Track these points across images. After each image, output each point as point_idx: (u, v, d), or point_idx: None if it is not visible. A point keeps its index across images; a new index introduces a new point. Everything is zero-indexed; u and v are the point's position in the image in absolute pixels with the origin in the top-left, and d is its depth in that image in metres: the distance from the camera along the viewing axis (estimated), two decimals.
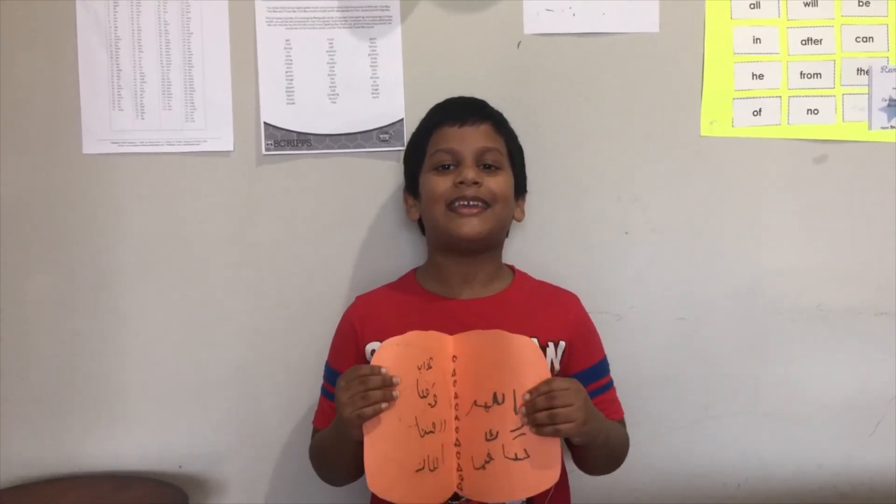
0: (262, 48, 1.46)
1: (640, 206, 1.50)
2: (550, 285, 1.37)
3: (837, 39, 1.49)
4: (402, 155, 1.43)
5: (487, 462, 1.13)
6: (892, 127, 1.49)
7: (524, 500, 1.23)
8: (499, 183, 1.28)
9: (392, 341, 1.13)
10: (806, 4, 1.48)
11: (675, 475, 1.53)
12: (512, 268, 1.37)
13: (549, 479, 1.12)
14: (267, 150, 1.47)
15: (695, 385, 1.52)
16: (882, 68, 1.49)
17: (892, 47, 1.49)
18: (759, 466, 1.53)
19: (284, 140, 1.47)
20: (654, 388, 1.51)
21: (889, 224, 1.51)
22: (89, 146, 1.46)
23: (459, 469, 1.14)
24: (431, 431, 1.13)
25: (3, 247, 1.46)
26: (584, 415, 1.11)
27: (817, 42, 1.49)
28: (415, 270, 1.38)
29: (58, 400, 1.48)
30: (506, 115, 1.38)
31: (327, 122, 1.47)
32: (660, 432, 1.52)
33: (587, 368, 1.28)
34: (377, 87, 1.47)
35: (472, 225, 1.25)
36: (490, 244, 1.30)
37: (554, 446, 1.12)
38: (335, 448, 1.19)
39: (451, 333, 1.16)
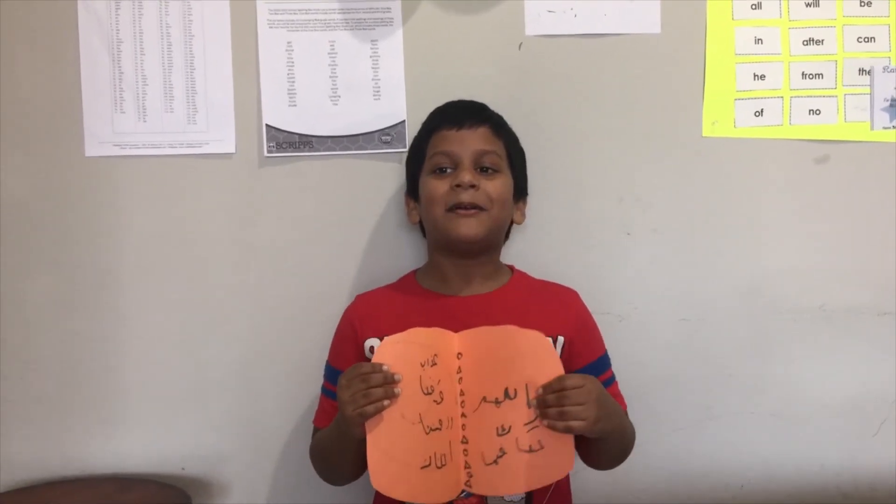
0: (264, 50, 1.46)
1: (641, 206, 1.50)
2: (550, 283, 1.38)
3: (839, 40, 1.49)
4: (403, 157, 1.43)
5: (500, 457, 1.12)
6: (893, 127, 1.49)
7: (523, 496, 1.23)
8: (496, 186, 1.28)
9: (393, 338, 1.13)
10: (807, 5, 1.48)
11: (678, 476, 1.53)
12: (511, 267, 1.38)
13: (564, 467, 1.13)
14: (269, 151, 1.47)
15: (697, 385, 1.52)
16: (884, 68, 1.49)
17: (894, 47, 1.49)
18: (762, 467, 1.53)
19: (286, 142, 1.47)
20: (656, 388, 1.50)
21: (891, 224, 1.51)
22: (91, 148, 1.46)
23: (467, 466, 1.14)
24: (438, 428, 1.13)
25: (4, 248, 1.47)
26: (596, 413, 1.11)
27: (819, 42, 1.49)
28: (415, 271, 1.38)
29: (59, 401, 1.48)
30: (507, 116, 1.38)
31: (329, 123, 1.47)
32: (662, 433, 1.51)
33: (588, 364, 1.28)
34: (379, 89, 1.47)
35: (469, 226, 1.25)
36: (487, 246, 1.31)
37: (568, 436, 1.12)
38: (336, 446, 1.19)
39: (451, 330, 1.16)
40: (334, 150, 1.47)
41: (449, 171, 1.28)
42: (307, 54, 1.46)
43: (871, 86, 1.49)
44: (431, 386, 1.13)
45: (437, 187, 1.27)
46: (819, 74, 1.49)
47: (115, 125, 1.46)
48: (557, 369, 1.13)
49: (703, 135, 1.49)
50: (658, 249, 1.51)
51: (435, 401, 1.13)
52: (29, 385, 1.48)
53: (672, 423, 1.52)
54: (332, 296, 1.46)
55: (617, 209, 1.50)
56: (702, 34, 1.49)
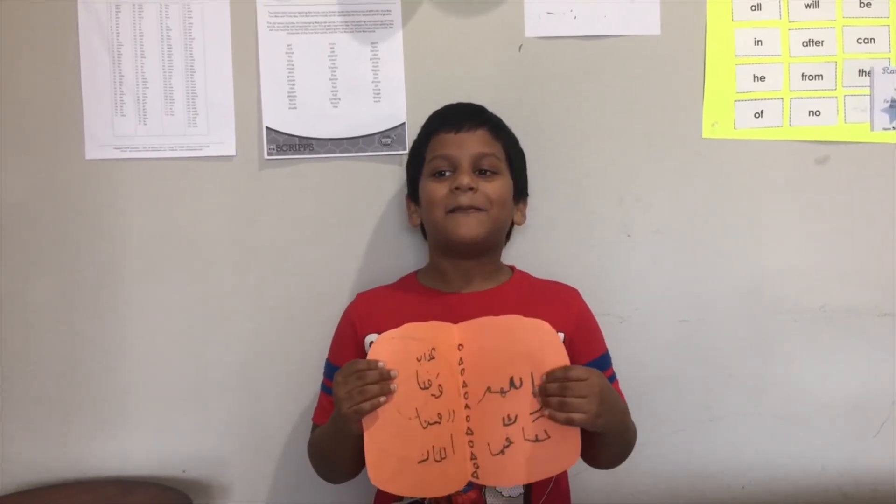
0: (264, 53, 1.46)
1: (642, 207, 1.51)
2: (551, 281, 1.38)
3: (839, 41, 1.49)
4: (403, 159, 1.43)
5: (506, 447, 1.13)
6: (893, 128, 1.49)
7: (521, 493, 1.23)
8: (495, 188, 1.28)
9: (388, 334, 1.14)
10: (807, 6, 1.49)
11: (678, 476, 1.53)
12: (512, 267, 1.38)
13: (570, 458, 1.13)
14: (269, 154, 1.47)
15: (698, 386, 1.52)
16: (884, 69, 1.49)
17: (894, 48, 1.49)
18: (763, 467, 1.53)
19: (286, 144, 1.47)
20: (656, 389, 1.50)
21: (891, 225, 1.51)
22: (92, 151, 1.46)
23: (473, 457, 1.14)
24: (437, 422, 1.13)
25: (5, 250, 1.47)
26: (598, 408, 1.11)
27: (819, 43, 1.49)
28: (416, 272, 1.39)
29: (61, 403, 1.48)
30: (508, 118, 1.38)
31: (329, 126, 1.47)
32: (662, 433, 1.51)
33: (589, 362, 1.28)
34: (379, 91, 1.47)
35: (469, 226, 1.26)
36: (488, 246, 1.31)
37: (574, 428, 1.12)
38: (334, 443, 1.20)
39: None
40: (334, 152, 1.47)
41: (448, 174, 1.29)
42: (307, 57, 1.46)
43: (871, 87, 1.49)
44: (429, 380, 1.13)
45: (436, 190, 1.28)
46: (819, 75, 1.49)
47: (115, 128, 1.46)
48: (563, 358, 1.13)
49: (703, 136, 1.49)
50: (658, 250, 1.51)
51: (433, 395, 1.13)
52: (30, 387, 1.48)
53: (672, 423, 1.52)
54: (332, 298, 1.46)
55: (617, 210, 1.50)
56: (701, 35, 1.49)
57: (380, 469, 1.12)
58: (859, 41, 1.49)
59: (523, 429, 1.12)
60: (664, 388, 1.51)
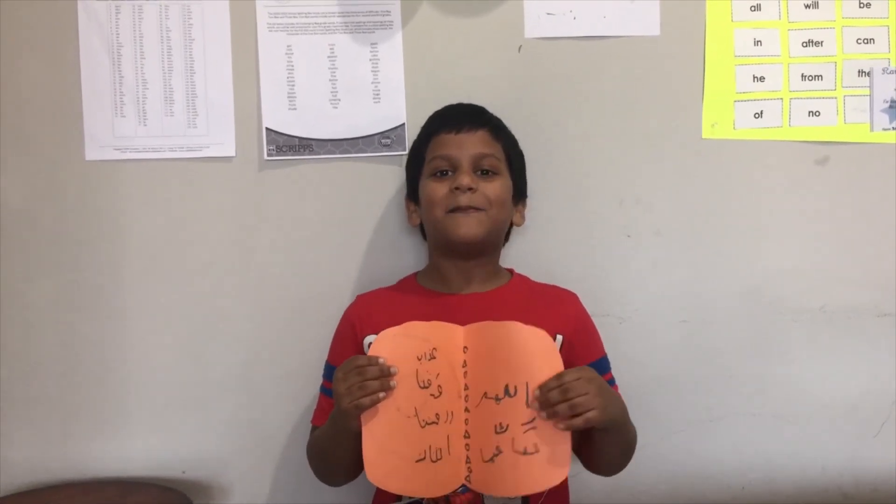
0: (264, 54, 1.46)
1: (642, 208, 1.51)
2: (550, 285, 1.38)
3: (838, 41, 1.49)
4: (403, 159, 1.43)
5: (496, 455, 1.12)
6: (893, 128, 1.49)
7: (520, 499, 1.23)
8: (495, 189, 1.28)
9: (390, 331, 1.14)
10: (807, 6, 1.49)
11: (679, 477, 1.53)
12: (511, 271, 1.38)
13: (557, 476, 1.12)
14: (269, 155, 1.47)
15: (698, 387, 1.52)
16: (883, 70, 1.49)
17: (894, 49, 1.49)
18: (763, 467, 1.53)
19: (286, 145, 1.47)
20: (657, 389, 1.50)
21: (891, 225, 1.51)
22: (92, 152, 1.46)
23: (468, 461, 1.14)
24: (434, 422, 1.13)
25: (5, 252, 1.47)
26: (603, 400, 1.11)
27: (818, 44, 1.49)
28: (415, 273, 1.39)
29: (61, 404, 1.48)
30: (507, 118, 1.38)
31: (329, 126, 1.47)
32: (663, 434, 1.51)
33: (588, 365, 1.28)
34: (378, 92, 1.47)
35: (468, 226, 1.26)
36: (487, 246, 1.31)
37: (564, 443, 1.11)
38: (333, 442, 1.19)
39: None
40: (334, 153, 1.47)
41: (448, 174, 1.29)
42: (307, 57, 1.46)
43: (871, 87, 1.49)
44: (429, 379, 1.13)
45: (436, 190, 1.28)
46: (818, 76, 1.49)
47: (115, 129, 1.46)
48: (559, 368, 1.13)
49: (703, 136, 1.49)
50: (658, 251, 1.51)
51: (432, 394, 1.13)
52: (30, 388, 1.48)
53: (673, 424, 1.52)
54: (332, 298, 1.46)
55: (617, 211, 1.50)
56: (701, 36, 1.49)
57: (377, 466, 1.12)
58: (859, 42, 1.49)
59: (513, 440, 1.11)
60: (664, 389, 1.51)
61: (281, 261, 1.48)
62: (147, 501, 1.37)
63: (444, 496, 1.19)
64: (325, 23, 1.46)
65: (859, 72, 1.49)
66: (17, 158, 1.46)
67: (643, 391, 1.46)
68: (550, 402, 1.10)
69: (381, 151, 1.47)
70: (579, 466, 1.30)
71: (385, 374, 1.11)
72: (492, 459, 1.12)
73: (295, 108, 1.46)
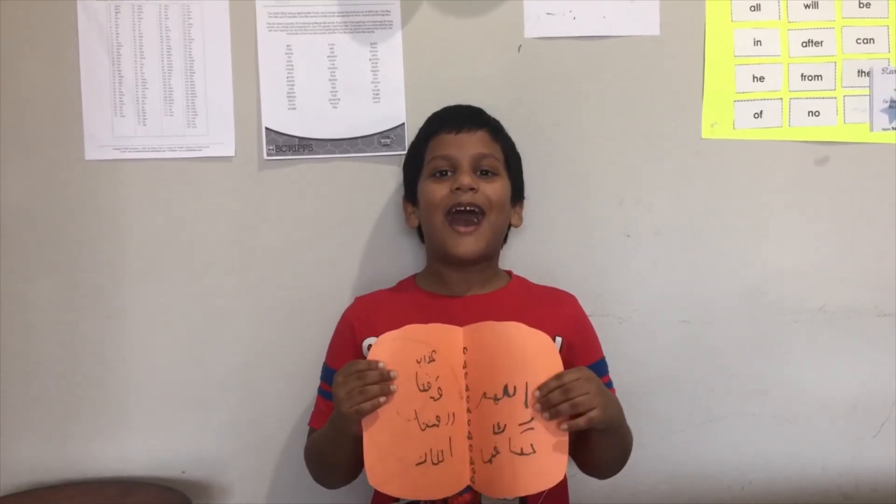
0: (264, 53, 1.46)
1: (642, 208, 1.50)
2: (548, 287, 1.38)
3: (838, 41, 1.49)
4: (402, 159, 1.43)
5: (494, 456, 1.12)
6: (893, 128, 1.49)
7: (517, 500, 1.23)
8: (495, 189, 1.29)
9: (389, 335, 1.13)
10: (806, 6, 1.48)
11: (679, 477, 1.53)
12: (509, 272, 1.38)
13: (553, 477, 1.12)
14: (268, 155, 1.47)
15: (697, 387, 1.52)
16: (883, 70, 1.49)
17: (893, 49, 1.49)
18: (763, 468, 1.53)
19: (286, 145, 1.47)
20: (656, 389, 1.50)
21: (891, 225, 1.51)
22: (91, 152, 1.46)
23: (472, 462, 1.14)
24: (435, 425, 1.13)
25: (5, 252, 1.47)
26: (603, 400, 1.12)
27: (818, 44, 1.49)
28: (415, 275, 1.39)
29: (61, 405, 1.48)
30: (507, 118, 1.38)
31: (328, 126, 1.47)
32: (663, 434, 1.51)
33: (586, 367, 1.28)
34: (378, 92, 1.47)
35: (466, 245, 1.27)
36: (486, 257, 1.32)
37: (562, 445, 1.11)
38: (332, 445, 1.19)
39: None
40: (334, 153, 1.47)
41: (448, 174, 1.29)
42: (306, 57, 1.46)
43: (871, 87, 1.49)
44: (428, 382, 1.13)
45: (435, 191, 1.28)
46: (818, 76, 1.49)
47: (114, 129, 1.46)
48: (558, 369, 1.13)
49: (703, 136, 1.49)
50: (658, 251, 1.51)
51: (432, 397, 1.13)
52: (30, 388, 1.48)
53: (673, 424, 1.52)
54: (332, 298, 1.46)
55: (617, 211, 1.50)
56: (701, 36, 1.49)
57: (378, 470, 1.12)
58: (859, 41, 1.49)
59: (510, 440, 1.11)
60: (664, 389, 1.51)
61: (281, 261, 1.48)
62: (147, 501, 1.37)
63: (443, 498, 1.18)
64: (324, 22, 1.46)
65: (859, 72, 1.49)
66: (16, 158, 1.46)
67: (643, 391, 1.46)
68: (552, 402, 1.10)
69: (381, 151, 1.47)
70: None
71: (385, 379, 1.10)
72: (490, 460, 1.12)
73: (294, 108, 1.46)
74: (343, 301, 1.41)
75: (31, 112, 1.46)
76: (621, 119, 1.49)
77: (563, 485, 1.30)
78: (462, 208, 1.26)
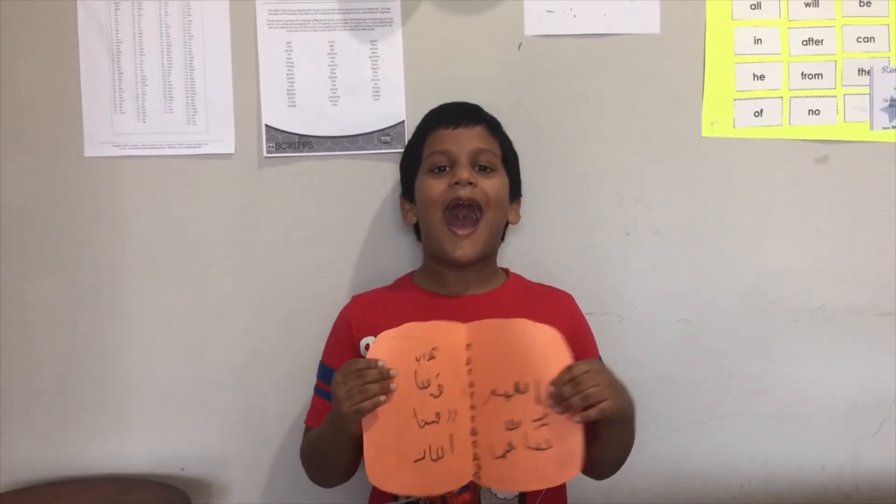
0: (263, 50, 1.46)
1: (641, 207, 1.50)
2: (545, 285, 1.38)
3: (839, 40, 1.49)
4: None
5: (508, 451, 1.12)
6: (893, 127, 1.49)
7: (516, 495, 1.23)
8: (493, 185, 1.28)
9: (387, 334, 1.13)
10: (807, 5, 1.48)
11: (678, 476, 1.53)
12: (506, 270, 1.38)
13: (570, 471, 1.12)
14: (268, 152, 1.47)
15: (697, 386, 1.52)
16: (883, 68, 1.49)
17: (894, 47, 1.49)
18: (763, 467, 1.53)
19: (286, 142, 1.47)
20: (656, 388, 1.50)
21: (891, 224, 1.51)
22: (91, 149, 1.46)
23: (476, 458, 1.13)
24: (434, 422, 1.12)
25: (5, 249, 1.47)
26: (615, 390, 1.12)
27: (818, 42, 1.49)
28: (412, 273, 1.39)
29: (60, 402, 1.48)
30: (507, 116, 1.38)
31: (328, 124, 1.47)
32: (662, 433, 1.51)
33: (595, 359, 1.28)
34: (378, 89, 1.47)
35: (464, 249, 1.27)
36: (484, 258, 1.31)
37: (576, 438, 1.11)
38: (330, 444, 1.19)
39: None
40: (334, 150, 1.47)
41: (446, 169, 1.29)
42: (307, 55, 1.46)
43: (871, 86, 1.49)
44: (428, 379, 1.13)
45: (433, 187, 1.28)
46: (818, 74, 1.49)
47: (114, 125, 1.46)
48: (568, 363, 1.12)
49: (703, 135, 1.49)
50: (658, 250, 1.51)
51: (432, 394, 1.13)
52: (30, 386, 1.48)
53: (672, 423, 1.52)
54: (332, 296, 1.46)
55: (616, 210, 1.50)
56: (701, 34, 1.48)
57: (378, 468, 1.12)
58: (859, 40, 1.49)
59: (526, 435, 1.11)
60: (663, 388, 1.51)
61: (280, 258, 1.48)
62: (146, 499, 1.37)
63: (441, 496, 1.18)
64: (324, 20, 1.46)
65: (859, 70, 1.49)
66: (16, 155, 1.46)
67: (642, 390, 1.44)
68: (563, 396, 1.09)
69: (381, 149, 1.47)
70: None
71: (385, 377, 1.10)
72: (504, 456, 1.12)
73: (294, 106, 1.46)
74: (344, 299, 1.41)
75: (31, 109, 1.46)
76: (621, 117, 1.49)
77: (561, 483, 1.30)
78: (461, 202, 1.26)
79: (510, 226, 1.40)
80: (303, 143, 1.47)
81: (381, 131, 1.47)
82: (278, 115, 1.46)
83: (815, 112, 1.49)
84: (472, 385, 1.14)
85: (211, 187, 1.47)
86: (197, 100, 1.46)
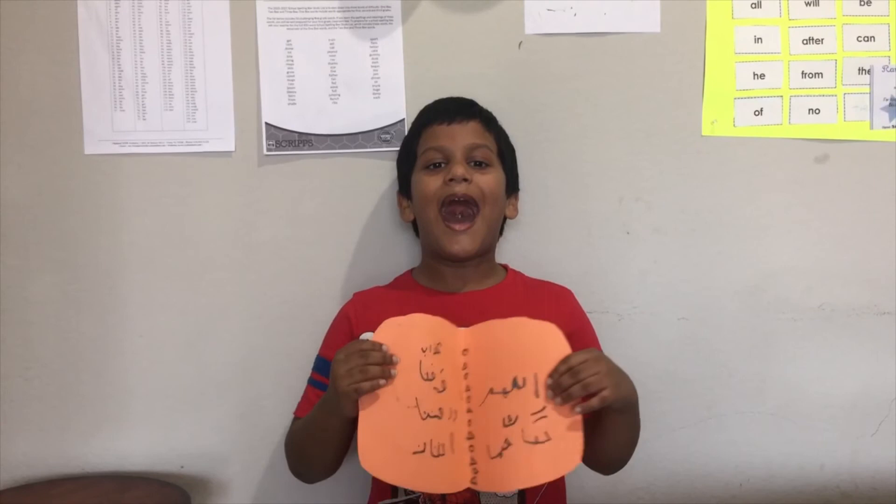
0: (264, 48, 1.46)
1: (641, 205, 1.50)
2: (545, 281, 1.38)
3: (839, 39, 1.49)
4: None
5: (505, 448, 1.10)
6: (893, 126, 1.49)
7: (515, 494, 1.22)
8: (489, 181, 1.28)
9: (394, 320, 1.13)
10: (807, 4, 1.48)
11: (677, 474, 1.53)
12: (505, 267, 1.38)
13: (570, 462, 1.10)
14: (268, 150, 1.47)
15: (697, 384, 1.52)
16: (883, 68, 1.49)
17: (894, 47, 1.49)
18: (762, 465, 1.53)
19: (286, 140, 1.47)
20: (655, 387, 1.50)
21: (891, 223, 1.51)
22: (91, 147, 1.46)
23: (473, 462, 1.12)
24: (437, 416, 1.11)
25: (5, 247, 1.47)
26: (615, 378, 1.10)
27: (819, 41, 1.49)
28: (411, 270, 1.39)
29: (60, 400, 1.48)
30: (506, 114, 1.39)
31: (328, 122, 1.47)
32: (662, 432, 1.51)
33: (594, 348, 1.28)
34: (378, 88, 1.47)
35: (462, 244, 1.26)
36: (482, 253, 1.31)
37: (576, 429, 1.09)
38: (319, 429, 1.18)
39: None
40: (334, 148, 1.47)
41: (441, 165, 1.29)
42: (307, 52, 1.46)
43: (871, 85, 1.49)
44: (432, 372, 1.12)
45: (429, 184, 1.28)
46: (819, 73, 1.49)
47: (114, 123, 1.46)
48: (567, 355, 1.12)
49: (703, 134, 1.49)
50: (658, 248, 1.51)
51: (436, 388, 1.12)
52: (29, 384, 1.48)
53: (671, 421, 1.52)
54: (332, 294, 1.46)
55: (617, 208, 1.50)
56: (701, 33, 1.48)
57: (372, 454, 1.09)
58: (859, 39, 1.49)
59: (523, 430, 1.10)
60: (663, 386, 1.51)
61: (280, 255, 1.48)
62: (145, 496, 1.37)
63: (441, 495, 1.18)
64: (325, 18, 1.46)
65: (859, 69, 1.49)
66: (16, 152, 1.46)
67: (642, 389, 1.43)
68: (562, 386, 1.08)
69: (381, 147, 1.47)
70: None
71: (388, 363, 1.09)
72: (500, 454, 1.10)
73: (294, 104, 1.46)
74: (345, 297, 1.41)
75: (31, 106, 1.46)
76: (621, 116, 1.49)
77: (560, 482, 1.30)
78: (456, 199, 1.26)
79: (510, 224, 1.40)
80: (303, 141, 1.47)
81: (381, 129, 1.47)
82: (278, 112, 1.46)
83: (816, 111, 1.49)
84: (468, 389, 1.14)
85: (211, 185, 1.47)
86: (197, 97, 1.46)
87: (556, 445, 1.10)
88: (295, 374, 1.46)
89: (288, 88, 1.46)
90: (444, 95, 1.40)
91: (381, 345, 1.10)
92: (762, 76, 1.49)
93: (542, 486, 1.22)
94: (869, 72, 1.49)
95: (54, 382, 1.48)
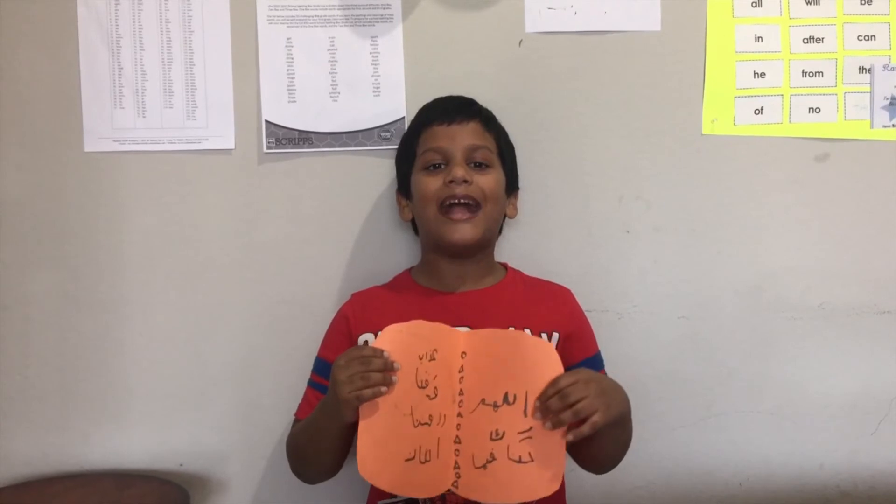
0: (264, 46, 1.46)
1: (641, 204, 1.50)
2: (544, 280, 1.38)
3: (839, 38, 1.49)
4: None
5: (489, 462, 1.11)
6: (893, 125, 1.49)
7: None
8: (489, 182, 1.28)
9: (396, 327, 1.13)
10: (808, 3, 1.48)
11: (676, 473, 1.53)
12: (505, 265, 1.38)
13: (549, 486, 1.11)
14: (268, 148, 1.47)
15: (697, 384, 1.52)
16: (884, 67, 1.49)
17: (894, 46, 1.49)
18: (761, 464, 1.53)
19: (286, 138, 1.47)
20: (655, 386, 1.50)
21: (891, 222, 1.51)
22: (90, 144, 1.46)
23: (457, 466, 1.13)
24: (427, 423, 1.12)
25: (4, 245, 1.47)
26: (606, 400, 1.09)
27: (819, 40, 1.49)
28: (409, 269, 1.39)
29: (60, 398, 1.48)
30: (507, 113, 1.38)
31: (328, 120, 1.47)
32: (661, 431, 1.51)
33: (582, 361, 1.28)
34: (378, 86, 1.47)
35: (463, 231, 1.25)
36: (482, 246, 1.31)
37: (558, 454, 1.10)
38: (319, 433, 1.18)
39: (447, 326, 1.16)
40: (334, 146, 1.47)
41: (441, 166, 1.28)
42: (307, 50, 1.46)
43: (871, 84, 1.49)
44: (426, 380, 1.12)
45: (429, 184, 1.28)
46: (819, 72, 1.49)
47: (114, 120, 1.46)
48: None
49: (703, 132, 1.49)
50: (658, 247, 1.51)
51: (428, 395, 1.12)
52: (29, 381, 1.48)
53: (671, 420, 1.52)
54: (331, 292, 1.46)
55: (616, 207, 1.50)
56: (702, 32, 1.48)
57: (370, 461, 1.10)
58: (860, 38, 1.49)
59: (508, 447, 1.10)
60: (663, 385, 1.51)
61: (280, 254, 1.48)
62: (144, 494, 1.37)
63: (441, 495, 1.18)
64: (325, 16, 1.46)
65: (860, 68, 1.49)
66: (15, 150, 1.46)
67: (641, 388, 1.46)
68: (551, 409, 1.08)
69: (381, 145, 1.47)
70: (575, 463, 1.30)
71: (389, 369, 1.09)
72: (484, 466, 1.11)
73: (294, 101, 1.46)
74: (344, 295, 1.41)
75: (31, 104, 1.46)
76: (622, 115, 1.49)
77: (560, 484, 1.29)
78: (457, 201, 1.26)
79: (509, 223, 1.40)
80: (303, 139, 1.47)
81: (381, 128, 1.47)
82: (278, 110, 1.46)
83: (816, 110, 1.49)
84: (461, 393, 1.13)
85: (210, 183, 1.47)
86: (197, 95, 1.46)
87: (538, 468, 1.10)
88: (294, 372, 1.46)
89: (288, 86, 1.46)
90: (445, 94, 1.39)
91: (382, 351, 1.10)
92: (762, 75, 1.49)
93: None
94: (869, 71, 1.49)
95: (53, 380, 1.48)
